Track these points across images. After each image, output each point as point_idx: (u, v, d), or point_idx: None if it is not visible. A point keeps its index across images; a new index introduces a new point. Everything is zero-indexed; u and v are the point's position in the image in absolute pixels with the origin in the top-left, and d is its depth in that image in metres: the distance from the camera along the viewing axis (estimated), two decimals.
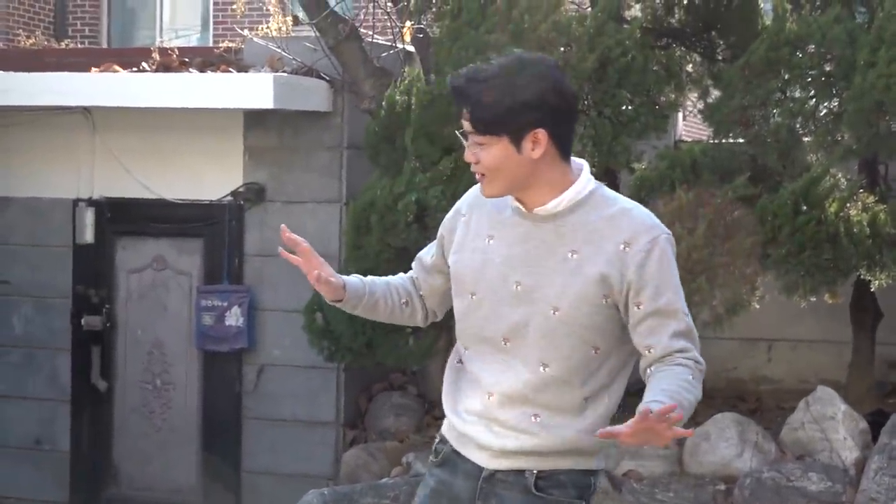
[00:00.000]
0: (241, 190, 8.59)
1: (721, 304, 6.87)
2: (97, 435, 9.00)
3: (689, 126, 9.52)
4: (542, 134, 3.29)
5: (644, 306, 3.29)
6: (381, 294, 3.61)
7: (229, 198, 8.62)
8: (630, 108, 7.09)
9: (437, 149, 7.18)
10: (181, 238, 8.80)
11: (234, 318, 8.49)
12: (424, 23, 8.29)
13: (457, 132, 3.43)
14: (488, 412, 3.40)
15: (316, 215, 8.38)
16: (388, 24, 8.88)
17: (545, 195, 3.35)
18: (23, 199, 9.10)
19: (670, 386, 3.21)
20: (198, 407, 8.73)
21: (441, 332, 7.43)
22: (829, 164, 6.90)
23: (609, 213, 3.35)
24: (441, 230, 3.60)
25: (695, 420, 7.53)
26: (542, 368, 3.35)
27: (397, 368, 8.50)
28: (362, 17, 8.79)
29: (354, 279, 3.62)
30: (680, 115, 8.45)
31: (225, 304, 8.50)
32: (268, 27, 8.95)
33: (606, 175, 7.42)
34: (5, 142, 9.07)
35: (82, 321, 8.95)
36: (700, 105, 7.59)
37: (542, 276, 3.35)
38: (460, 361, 3.53)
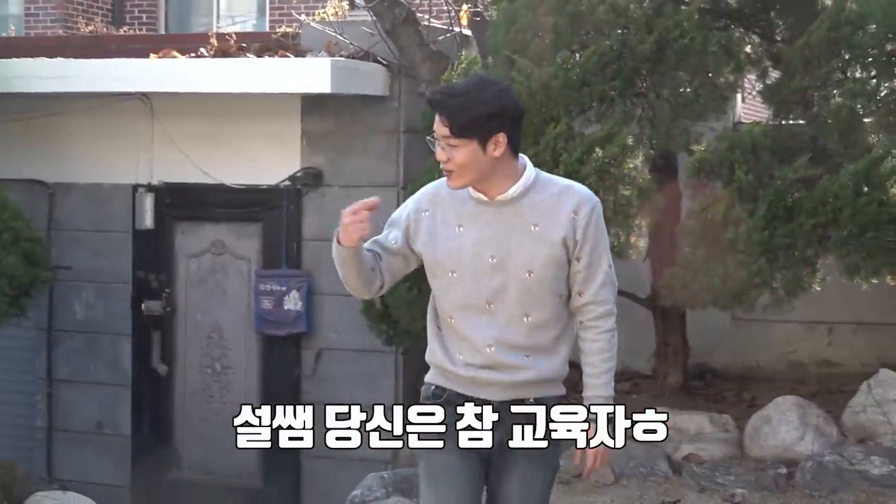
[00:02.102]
0: (298, 174, 8.62)
1: (781, 287, 6.81)
2: (158, 419, 9.08)
3: (749, 107, 9.44)
4: (502, 137, 4.09)
5: (583, 260, 4.20)
6: (365, 254, 4.24)
7: (287, 182, 8.65)
8: (689, 89, 7.03)
9: None
10: (240, 223, 8.84)
11: (293, 302, 8.53)
12: (481, 6, 8.27)
13: (427, 138, 4.16)
14: (491, 359, 4.19)
15: None
16: (445, 7, 8.87)
17: (504, 185, 4.16)
18: (83, 185, 9.18)
19: (605, 370, 4.24)
20: (257, 391, 8.78)
21: None
22: (890, 144, 6.82)
23: (555, 190, 4.21)
24: (405, 221, 4.29)
25: (756, 404, 7.50)
26: (525, 318, 4.20)
27: None
28: (419, 0, 8.79)
29: None
30: (739, 96, 8.38)
31: (283, 288, 8.54)
32: (324, 12, 8.97)
33: (665, 158, 7.38)
34: (66, 128, 9.14)
35: (143, 306, 9.03)
36: (759, 86, 7.52)
37: (512, 247, 4.17)
38: (439, 328, 4.31)
